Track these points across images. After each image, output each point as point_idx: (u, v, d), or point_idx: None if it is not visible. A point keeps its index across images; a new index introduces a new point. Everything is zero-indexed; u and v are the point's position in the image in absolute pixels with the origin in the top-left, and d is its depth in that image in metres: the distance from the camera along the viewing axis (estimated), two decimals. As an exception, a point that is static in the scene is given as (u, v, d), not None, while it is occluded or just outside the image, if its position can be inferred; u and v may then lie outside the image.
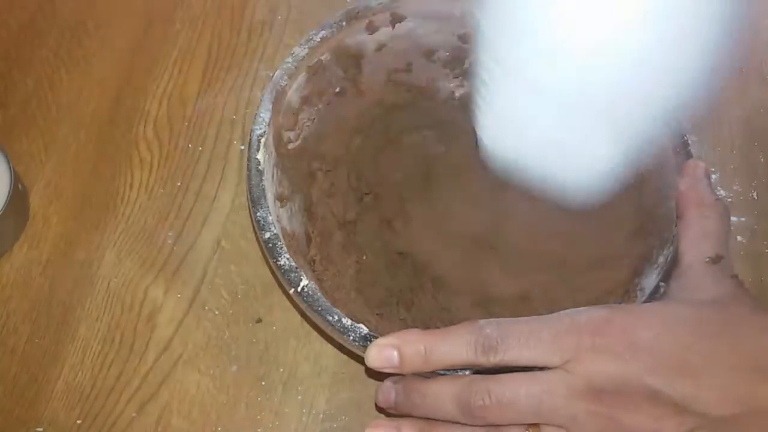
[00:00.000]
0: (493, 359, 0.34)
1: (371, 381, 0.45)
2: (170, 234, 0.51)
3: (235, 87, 0.57)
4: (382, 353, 0.35)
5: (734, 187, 0.53)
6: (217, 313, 0.48)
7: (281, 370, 0.46)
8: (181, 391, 0.45)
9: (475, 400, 0.33)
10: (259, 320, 0.48)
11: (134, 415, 0.45)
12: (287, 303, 0.48)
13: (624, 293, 0.43)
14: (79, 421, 0.44)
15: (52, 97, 0.56)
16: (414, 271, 0.46)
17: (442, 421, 0.35)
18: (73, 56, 0.58)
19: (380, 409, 0.39)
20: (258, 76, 0.58)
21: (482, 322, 0.35)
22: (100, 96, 0.57)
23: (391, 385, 0.36)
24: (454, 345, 0.34)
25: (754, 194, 0.53)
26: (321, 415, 0.45)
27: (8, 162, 0.48)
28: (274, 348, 0.47)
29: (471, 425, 0.34)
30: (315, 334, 0.47)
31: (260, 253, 0.50)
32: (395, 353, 0.35)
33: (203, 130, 0.55)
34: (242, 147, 0.54)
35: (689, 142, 0.44)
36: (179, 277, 0.49)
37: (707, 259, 0.38)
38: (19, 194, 0.49)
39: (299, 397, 0.45)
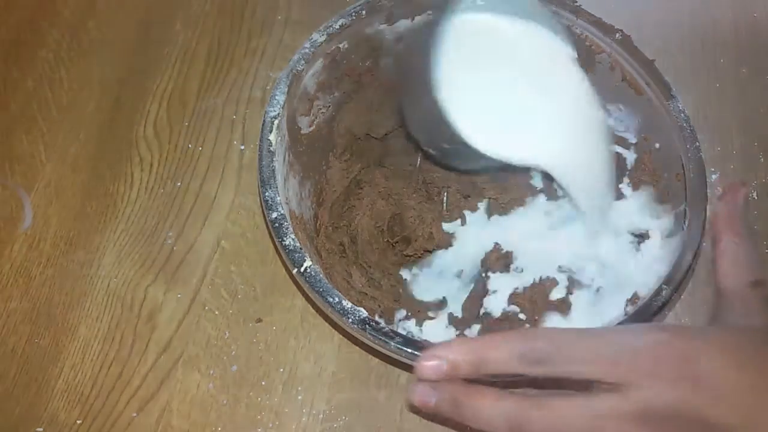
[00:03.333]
0: (543, 372, 0.33)
1: (371, 381, 0.45)
2: (170, 234, 0.51)
3: (235, 87, 0.57)
4: (433, 365, 0.34)
5: (734, 187, 0.53)
6: (217, 313, 0.48)
7: (281, 370, 0.46)
8: (181, 391, 0.45)
9: (527, 427, 0.33)
10: (259, 320, 0.48)
11: (134, 414, 0.45)
12: (287, 303, 0.48)
13: None
14: (79, 421, 0.44)
15: (53, 97, 0.56)
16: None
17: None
18: (73, 56, 0.58)
19: (413, 408, 0.38)
20: (258, 76, 0.58)
21: (532, 333, 0.34)
22: (100, 96, 0.57)
23: (431, 390, 0.35)
24: (503, 355, 0.34)
25: (754, 194, 0.53)
26: (321, 415, 0.45)
27: None
28: (274, 348, 0.47)
29: None
30: (315, 334, 0.47)
31: (260, 253, 0.50)
32: (446, 364, 0.34)
33: (203, 130, 0.55)
34: (242, 147, 0.54)
35: (700, 147, 0.44)
36: (179, 277, 0.49)
37: (749, 285, 0.38)
38: None
39: (299, 397, 0.45)
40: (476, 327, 0.44)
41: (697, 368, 0.32)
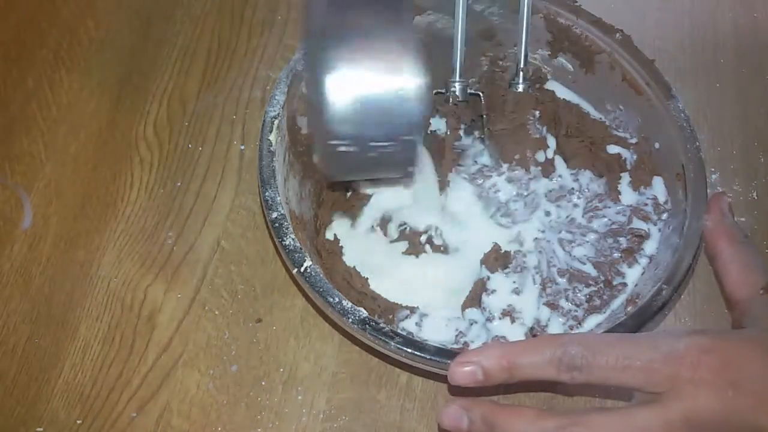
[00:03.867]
0: (578, 378, 0.33)
1: (371, 381, 0.45)
2: (170, 234, 0.51)
3: (235, 87, 0.57)
4: (466, 370, 0.34)
5: (734, 187, 0.53)
6: (217, 313, 0.48)
7: (281, 370, 0.46)
8: (181, 391, 0.45)
9: None
10: (259, 320, 0.48)
11: (134, 414, 0.45)
12: (287, 303, 0.48)
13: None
14: (79, 421, 0.44)
15: (52, 97, 0.56)
16: None
17: None
18: (73, 56, 0.58)
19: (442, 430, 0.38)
20: (258, 76, 0.58)
21: (566, 338, 0.34)
22: (100, 96, 0.57)
23: (462, 411, 0.35)
24: (536, 360, 0.33)
25: (754, 194, 0.53)
26: (321, 415, 0.45)
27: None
28: (274, 348, 0.47)
29: None
30: (315, 334, 0.47)
31: (260, 253, 0.50)
32: (479, 369, 0.34)
33: (203, 130, 0.55)
34: (242, 147, 0.54)
35: (700, 147, 0.44)
36: (179, 277, 0.49)
37: (761, 290, 0.38)
38: None
39: (299, 397, 0.45)
40: (475, 327, 0.44)
41: (738, 373, 0.31)
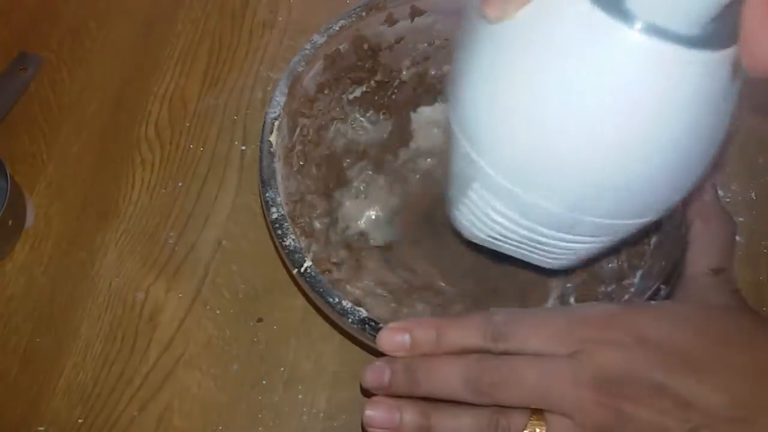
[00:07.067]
0: (502, 346, 0.34)
1: (371, 380, 0.46)
2: (172, 234, 0.51)
3: (236, 88, 0.57)
4: (394, 336, 0.35)
5: (732, 187, 0.53)
6: (218, 312, 0.48)
7: (282, 369, 0.46)
8: (183, 390, 0.46)
9: (483, 378, 0.33)
10: (260, 319, 0.48)
11: (136, 414, 0.45)
12: (288, 302, 0.48)
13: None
14: (80, 420, 0.45)
15: (54, 98, 0.57)
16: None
17: (444, 402, 0.35)
18: (74, 57, 0.59)
19: (364, 392, 0.38)
20: (259, 77, 0.58)
21: (493, 309, 0.35)
22: (101, 96, 0.57)
23: (385, 365, 0.35)
24: (464, 330, 0.35)
25: (753, 194, 0.53)
26: (321, 414, 0.45)
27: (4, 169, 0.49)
28: (274, 347, 0.47)
29: (476, 406, 0.34)
30: (315, 333, 0.47)
31: (261, 253, 0.50)
32: (407, 337, 0.35)
33: (204, 130, 0.55)
34: (243, 147, 0.55)
35: None
36: (180, 276, 0.49)
37: (709, 271, 0.38)
38: (15, 199, 0.49)
39: (300, 396, 0.45)
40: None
41: (644, 332, 0.33)
